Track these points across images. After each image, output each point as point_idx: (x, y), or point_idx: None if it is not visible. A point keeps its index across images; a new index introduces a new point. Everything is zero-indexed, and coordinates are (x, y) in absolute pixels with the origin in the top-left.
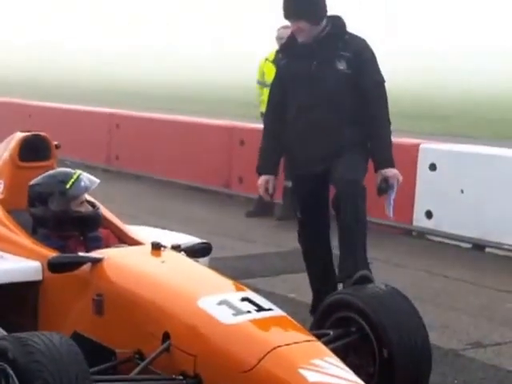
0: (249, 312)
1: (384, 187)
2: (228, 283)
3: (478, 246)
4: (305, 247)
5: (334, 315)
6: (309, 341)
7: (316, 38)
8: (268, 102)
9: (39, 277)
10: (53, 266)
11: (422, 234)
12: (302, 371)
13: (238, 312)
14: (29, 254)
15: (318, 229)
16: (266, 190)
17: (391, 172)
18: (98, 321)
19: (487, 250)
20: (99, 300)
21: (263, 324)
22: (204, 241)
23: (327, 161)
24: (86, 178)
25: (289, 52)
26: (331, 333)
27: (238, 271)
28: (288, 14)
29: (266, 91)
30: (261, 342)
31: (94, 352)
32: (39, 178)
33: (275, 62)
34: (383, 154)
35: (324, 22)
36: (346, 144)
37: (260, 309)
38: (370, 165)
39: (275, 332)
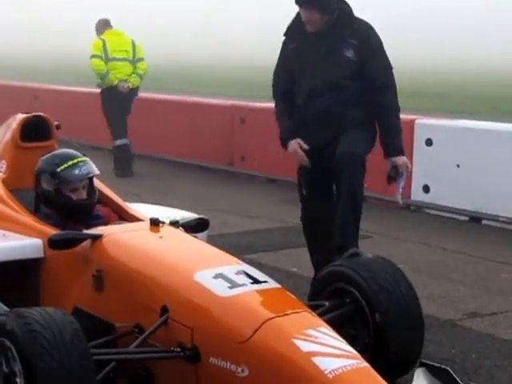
0: (244, 285)
1: (393, 175)
2: (224, 257)
3: (475, 219)
4: (307, 221)
5: (329, 287)
6: (303, 311)
7: (325, 24)
8: (275, 88)
9: (40, 254)
10: (53, 243)
11: (420, 207)
12: (296, 341)
13: (234, 285)
14: (30, 232)
15: (321, 202)
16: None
17: (401, 160)
18: (98, 296)
19: (484, 222)
20: (99, 276)
21: (258, 296)
22: (201, 216)
23: (336, 143)
24: (87, 166)
25: (296, 36)
26: (326, 304)
27: (242, 247)
28: (301, 0)
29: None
30: (256, 314)
31: (95, 327)
32: (48, 154)
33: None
34: (393, 142)
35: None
36: (354, 124)
37: (255, 281)
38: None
39: (270, 303)
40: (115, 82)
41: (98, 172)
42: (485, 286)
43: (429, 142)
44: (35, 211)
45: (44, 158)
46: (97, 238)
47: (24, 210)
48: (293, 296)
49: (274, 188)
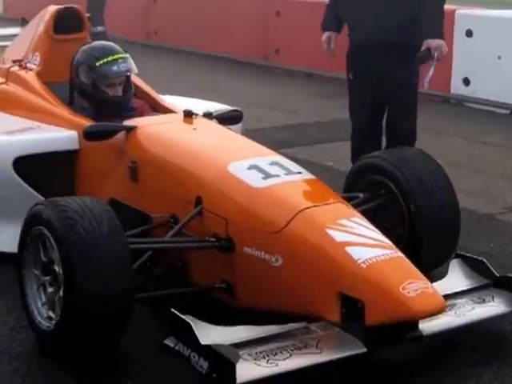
0: (278, 175)
1: (424, 56)
2: (258, 148)
3: None
4: (353, 108)
5: (363, 179)
6: (336, 202)
7: None
8: None
9: (75, 146)
10: (88, 135)
11: (460, 101)
12: (329, 231)
13: (268, 176)
14: (65, 124)
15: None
16: (329, 44)
17: (435, 43)
18: (134, 187)
19: None
20: (134, 167)
21: (292, 187)
22: (236, 108)
23: (402, 31)
24: (126, 64)
25: None
26: (361, 195)
27: (277, 141)
28: None
29: None
30: (289, 204)
31: (131, 217)
32: (88, 45)
33: None
34: (431, 23)
35: None
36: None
37: (289, 172)
38: None
39: (303, 194)
40: None
41: (136, 71)
42: None
43: (469, 33)
44: (70, 104)
45: (84, 48)
46: (131, 129)
47: (59, 102)
48: (327, 187)
49: (311, 82)
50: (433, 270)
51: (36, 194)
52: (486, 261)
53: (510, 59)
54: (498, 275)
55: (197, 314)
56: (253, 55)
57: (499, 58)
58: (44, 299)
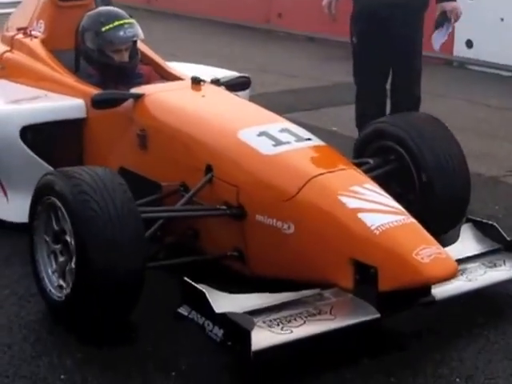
0: (288, 142)
1: (441, 21)
2: (267, 115)
3: None
4: (357, 70)
5: (373, 144)
6: (348, 168)
7: None
8: None
9: (83, 114)
10: (96, 103)
11: (463, 63)
12: (341, 198)
13: (278, 143)
14: (72, 92)
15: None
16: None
17: (450, 5)
18: (143, 155)
19: None
20: (143, 135)
21: (303, 154)
22: (243, 74)
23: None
24: (132, 29)
25: None
26: (371, 161)
27: (281, 106)
28: None
29: None
30: (301, 171)
31: (141, 186)
32: (94, 10)
33: None
34: None
35: None
36: None
37: (299, 139)
38: None
39: (314, 161)
40: None
41: (142, 36)
42: None
43: None
44: (76, 71)
45: (90, 14)
46: (139, 97)
47: (65, 70)
48: (337, 153)
49: (313, 46)
50: (443, 234)
51: (43, 163)
52: (496, 225)
53: None
54: (508, 239)
55: (208, 281)
56: (255, 19)
57: (502, 20)
58: (55, 267)
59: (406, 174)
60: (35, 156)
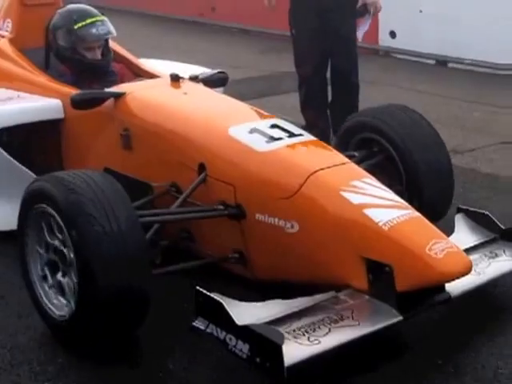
0: (281, 138)
1: (361, 12)
2: (254, 112)
3: (441, 62)
4: (299, 60)
5: (355, 137)
6: (344, 163)
7: None
8: None
9: (60, 115)
10: (77, 103)
11: (388, 52)
12: (344, 194)
13: (271, 139)
14: (46, 92)
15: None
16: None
17: None
18: (128, 155)
19: (449, 65)
20: (126, 135)
21: (298, 149)
22: (221, 70)
23: None
24: (104, 26)
25: None
26: (357, 154)
27: (228, 95)
28: None
29: None
30: (299, 168)
31: (130, 188)
32: (65, 8)
33: None
34: None
35: None
36: None
37: (291, 134)
38: None
39: (311, 156)
40: None
41: (115, 33)
42: (460, 125)
43: None
44: (46, 68)
45: (61, 11)
46: (119, 96)
47: (36, 69)
48: (330, 147)
49: (248, 38)
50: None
51: (22, 167)
52: (489, 214)
53: (431, 12)
54: (503, 227)
55: (208, 286)
56: (188, 13)
57: (421, 11)
58: (51, 282)
59: (392, 166)
60: (12, 159)
